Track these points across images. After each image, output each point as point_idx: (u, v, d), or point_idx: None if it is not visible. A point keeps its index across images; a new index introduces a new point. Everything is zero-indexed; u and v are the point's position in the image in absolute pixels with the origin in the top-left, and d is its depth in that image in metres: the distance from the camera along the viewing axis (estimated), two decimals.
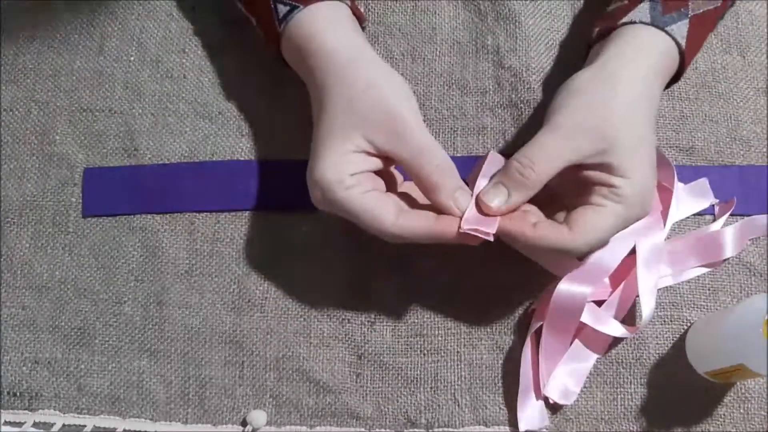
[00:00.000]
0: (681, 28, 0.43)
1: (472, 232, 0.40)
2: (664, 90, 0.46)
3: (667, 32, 0.42)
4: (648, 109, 0.42)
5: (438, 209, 0.41)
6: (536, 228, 0.39)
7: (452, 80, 0.51)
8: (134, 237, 0.49)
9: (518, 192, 0.40)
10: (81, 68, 0.52)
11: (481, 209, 0.40)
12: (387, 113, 0.40)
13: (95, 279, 0.48)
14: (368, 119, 0.40)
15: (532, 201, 0.41)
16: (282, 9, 0.43)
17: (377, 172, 0.42)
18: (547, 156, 0.39)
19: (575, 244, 0.39)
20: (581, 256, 0.43)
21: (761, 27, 0.53)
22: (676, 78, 0.45)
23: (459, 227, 0.40)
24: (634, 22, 0.43)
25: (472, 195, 0.41)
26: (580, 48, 0.51)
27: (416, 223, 0.40)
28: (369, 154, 0.41)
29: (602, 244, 0.41)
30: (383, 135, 0.40)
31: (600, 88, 0.41)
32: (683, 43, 0.43)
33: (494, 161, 0.43)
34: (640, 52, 0.42)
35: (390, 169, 0.44)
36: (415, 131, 0.40)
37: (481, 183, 0.42)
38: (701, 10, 0.44)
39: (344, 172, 0.40)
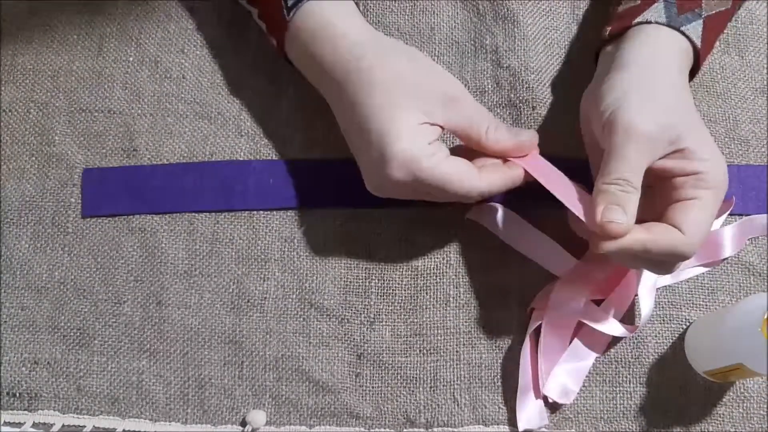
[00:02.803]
0: (696, 29, 0.43)
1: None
2: None
3: (682, 32, 0.42)
4: (692, 100, 0.42)
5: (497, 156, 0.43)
6: (650, 234, 0.39)
7: None
8: (133, 237, 0.49)
9: (630, 206, 0.38)
10: (80, 69, 0.52)
11: (613, 234, 0.38)
12: (438, 83, 0.42)
13: (94, 279, 0.48)
14: (422, 92, 0.41)
15: None
16: None
17: None
18: (634, 167, 0.39)
19: (691, 245, 0.39)
20: (695, 253, 0.40)
21: (760, 27, 0.53)
22: (689, 78, 0.45)
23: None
24: (650, 22, 0.43)
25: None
26: (579, 48, 0.52)
27: (496, 174, 0.42)
28: (431, 124, 0.41)
29: (708, 234, 0.41)
30: (440, 106, 0.41)
31: (648, 83, 0.41)
32: (698, 43, 0.43)
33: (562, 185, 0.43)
34: (661, 51, 0.42)
35: None
36: (465, 94, 0.43)
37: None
38: (714, 11, 0.44)
39: (423, 143, 0.40)
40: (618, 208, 0.38)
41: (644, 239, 0.38)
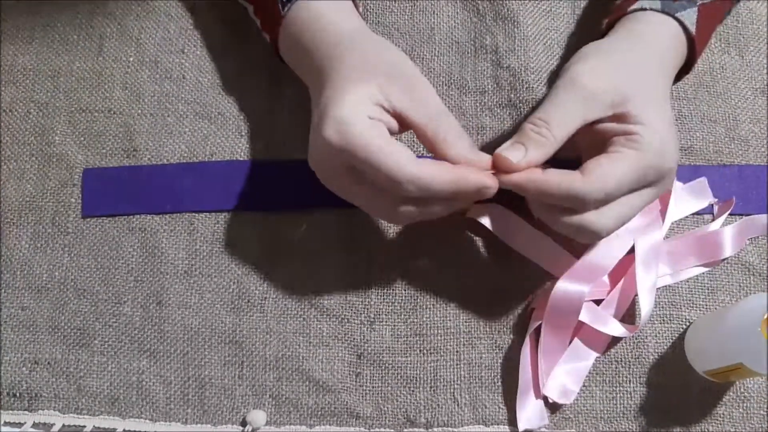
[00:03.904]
0: (690, 15, 0.43)
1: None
2: (675, 82, 0.46)
3: (677, 18, 0.42)
4: (664, 84, 0.42)
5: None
6: (546, 173, 0.38)
7: (451, 80, 0.51)
8: (133, 237, 0.49)
9: (535, 149, 0.39)
10: (80, 69, 0.52)
11: (500, 167, 0.39)
12: (406, 72, 0.40)
13: (95, 279, 0.48)
14: (386, 73, 0.40)
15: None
16: None
17: None
18: (563, 116, 0.39)
19: (588, 189, 0.37)
20: (595, 204, 0.38)
21: (760, 26, 0.53)
22: (686, 69, 0.45)
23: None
24: (645, 9, 0.43)
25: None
26: (579, 47, 0.51)
27: (436, 168, 0.38)
28: (383, 108, 0.39)
29: (619, 192, 0.38)
30: (400, 91, 0.39)
31: (616, 50, 0.41)
32: (693, 29, 0.43)
33: None
34: (651, 35, 0.42)
35: None
36: (432, 94, 0.40)
37: None
38: (708, 0, 0.44)
39: (363, 112, 0.38)
40: (520, 147, 0.39)
41: (538, 179, 0.38)
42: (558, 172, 0.38)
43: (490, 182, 0.39)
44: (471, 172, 0.39)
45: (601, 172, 0.37)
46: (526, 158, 0.38)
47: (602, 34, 0.45)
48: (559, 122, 0.39)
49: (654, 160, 0.38)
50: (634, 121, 0.39)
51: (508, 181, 0.39)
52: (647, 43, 0.42)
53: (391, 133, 0.40)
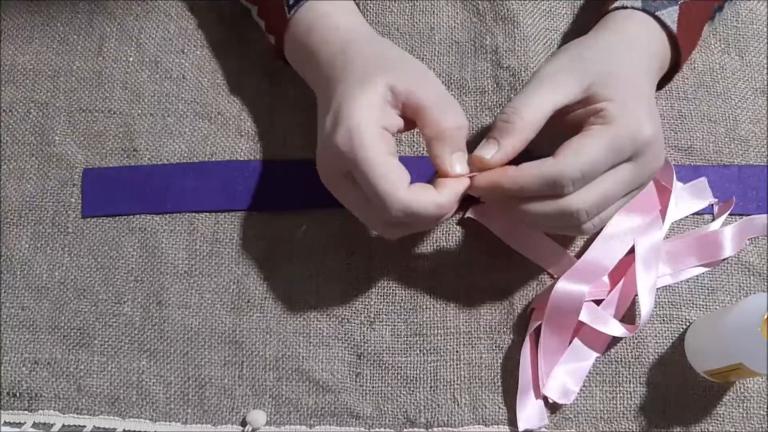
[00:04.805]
0: (671, 14, 0.43)
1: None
2: (665, 84, 0.46)
3: (656, 17, 0.43)
4: (636, 69, 0.41)
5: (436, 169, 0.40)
6: (519, 167, 0.38)
7: (451, 80, 0.51)
8: (133, 237, 0.49)
9: (507, 139, 0.38)
10: (80, 69, 0.52)
11: (478, 168, 0.39)
12: (409, 59, 0.41)
13: (95, 279, 0.48)
14: (390, 65, 0.40)
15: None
16: None
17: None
18: (532, 101, 0.39)
19: (561, 168, 0.36)
20: (573, 183, 0.37)
21: (760, 27, 0.53)
22: (675, 68, 0.45)
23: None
24: (626, 7, 0.43)
25: None
26: None
27: (426, 197, 0.38)
28: (393, 107, 0.39)
29: (595, 168, 0.37)
30: (406, 77, 0.39)
31: (585, 40, 0.42)
32: (674, 27, 0.43)
33: None
34: (627, 30, 0.42)
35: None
36: (436, 80, 0.40)
37: None
38: None
39: (376, 122, 0.38)
40: (493, 142, 0.38)
41: (511, 172, 0.38)
42: (531, 163, 0.38)
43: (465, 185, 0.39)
44: (453, 188, 0.39)
45: (572, 150, 0.37)
46: (499, 151, 0.38)
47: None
48: (528, 106, 0.38)
49: (625, 130, 0.38)
50: (602, 98, 0.39)
51: (484, 182, 0.39)
52: (620, 33, 0.42)
53: (398, 132, 0.40)
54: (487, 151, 0.39)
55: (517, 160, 0.39)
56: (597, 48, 0.42)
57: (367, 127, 0.37)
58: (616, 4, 0.44)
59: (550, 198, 0.38)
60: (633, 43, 0.42)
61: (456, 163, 0.39)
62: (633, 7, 0.43)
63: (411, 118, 0.40)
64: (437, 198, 0.38)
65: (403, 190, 0.37)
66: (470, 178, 0.39)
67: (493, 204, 0.40)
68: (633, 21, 0.43)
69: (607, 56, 0.41)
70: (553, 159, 0.37)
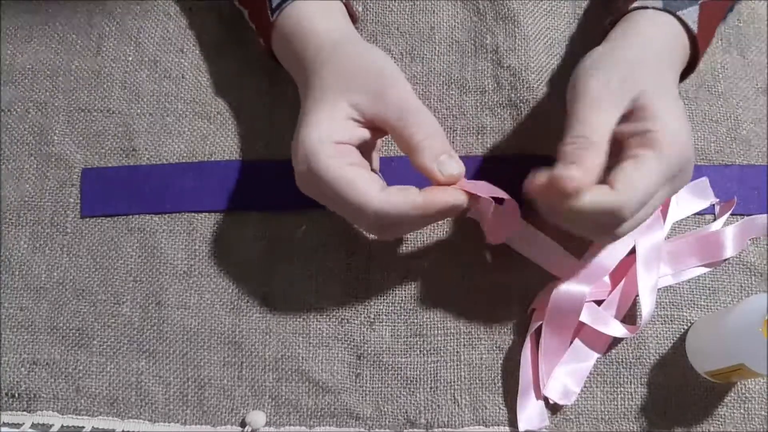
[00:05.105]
0: (692, 14, 0.43)
1: (471, 190, 0.39)
2: (680, 82, 0.46)
3: (678, 17, 0.42)
4: (672, 78, 0.41)
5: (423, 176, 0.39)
6: (578, 194, 0.37)
7: (451, 79, 0.51)
8: (132, 237, 0.49)
9: (585, 161, 0.37)
10: (79, 68, 0.52)
11: (563, 190, 0.36)
12: (371, 73, 0.40)
13: (93, 280, 0.48)
14: (352, 81, 0.39)
15: None
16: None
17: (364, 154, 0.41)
18: (593, 122, 0.38)
19: (620, 200, 0.36)
20: (631, 214, 0.37)
21: (762, 26, 0.53)
22: (691, 68, 0.45)
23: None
24: (646, 8, 0.43)
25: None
26: (580, 47, 0.51)
27: (401, 198, 0.37)
28: (355, 121, 0.39)
29: (649, 196, 0.38)
30: (367, 95, 0.39)
31: (617, 48, 0.41)
32: (695, 27, 0.42)
33: None
34: (652, 32, 0.42)
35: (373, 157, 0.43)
36: (399, 91, 0.40)
37: None
38: None
39: (329, 139, 0.38)
40: (573, 165, 0.37)
41: (573, 201, 0.36)
42: (590, 192, 0.37)
43: (458, 200, 0.39)
44: (438, 193, 0.38)
45: (631, 182, 0.37)
46: (582, 174, 0.36)
47: (605, 33, 0.45)
48: (594, 131, 0.38)
49: (674, 155, 0.38)
50: (650, 115, 0.38)
51: (578, 205, 0.37)
52: (649, 39, 0.42)
53: (365, 143, 0.40)
54: (573, 172, 0.36)
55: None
56: (632, 57, 0.41)
57: (321, 145, 0.38)
58: (636, 4, 0.43)
59: (606, 222, 0.38)
60: (661, 46, 0.42)
61: (441, 167, 0.39)
62: (654, 7, 0.42)
63: (382, 129, 0.40)
64: (415, 198, 0.38)
65: (373, 195, 0.37)
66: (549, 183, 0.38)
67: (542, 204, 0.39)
68: (656, 21, 0.42)
69: (646, 65, 0.40)
70: (613, 191, 0.37)
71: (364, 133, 0.40)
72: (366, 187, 0.37)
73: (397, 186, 0.39)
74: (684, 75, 0.45)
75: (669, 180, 0.38)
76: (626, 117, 0.39)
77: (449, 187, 0.39)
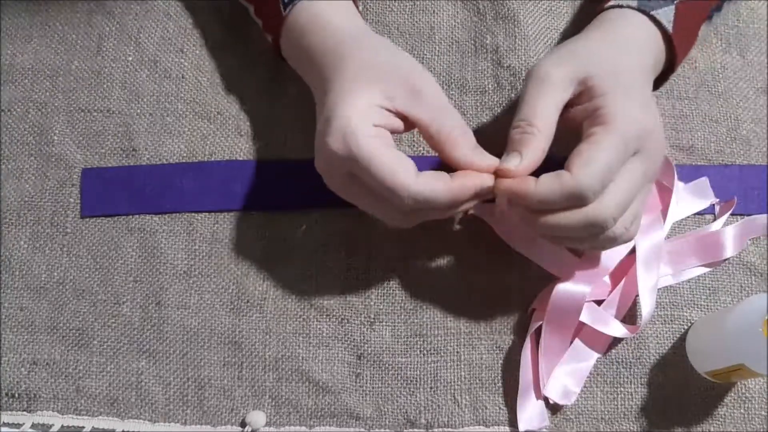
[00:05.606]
0: (667, 13, 0.43)
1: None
2: (661, 84, 0.46)
3: (652, 16, 0.42)
4: (630, 64, 0.41)
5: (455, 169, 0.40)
6: (538, 182, 0.38)
7: (451, 79, 0.51)
8: (132, 237, 0.49)
9: (527, 148, 0.38)
10: (79, 68, 0.52)
11: (503, 178, 0.39)
12: (403, 69, 0.40)
13: (93, 280, 0.48)
14: (388, 75, 0.40)
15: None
16: None
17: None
18: (538, 108, 0.39)
19: (579, 180, 0.36)
20: (595, 194, 0.37)
21: (762, 26, 0.53)
22: (671, 69, 0.45)
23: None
24: (621, 6, 0.43)
25: None
26: None
27: (438, 181, 0.38)
28: (388, 110, 0.40)
29: (610, 173, 0.37)
30: (403, 92, 0.39)
31: (578, 38, 0.42)
32: (670, 27, 0.42)
33: None
34: (622, 28, 0.42)
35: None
36: (433, 89, 0.40)
37: None
38: None
39: (369, 120, 0.38)
40: (515, 154, 0.39)
41: (533, 187, 0.37)
42: (548, 176, 0.38)
43: (488, 183, 0.39)
44: (469, 178, 0.39)
45: (584, 160, 0.37)
46: (522, 162, 0.38)
47: None
48: (538, 115, 0.39)
49: (625, 126, 0.38)
50: (597, 93, 0.39)
51: (505, 187, 0.39)
52: (613, 32, 0.42)
53: (397, 133, 0.40)
54: (512, 163, 0.39)
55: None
56: (589, 44, 0.42)
57: (359, 126, 0.38)
58: (611, 3, 0.43)
59: (573, 208, 0.38)
60: (626, 40, 0.42)
61: (480, 156, 0.40)
62: (628, 6, 0.43)
63: (411, 124, 0.41)
64: (451, 184, 0.39)
65: (412, 178, 0.38)
66: (494, 175, 0.40)
67: (516, 218, 0.40)
68: (627, 20, 0.43)
69: (599, 51, 0.41)
70: (569, 172, 0.37)
71: (396, 122, 0.40)
72: (404, 169, 0.38)
73: (430, 171, 0.39)
74: (665, 76, 0.45)
75: (628, 154, 0.38)
76: (578, 101, 0.40)
77: (478, 172, 0.40)
